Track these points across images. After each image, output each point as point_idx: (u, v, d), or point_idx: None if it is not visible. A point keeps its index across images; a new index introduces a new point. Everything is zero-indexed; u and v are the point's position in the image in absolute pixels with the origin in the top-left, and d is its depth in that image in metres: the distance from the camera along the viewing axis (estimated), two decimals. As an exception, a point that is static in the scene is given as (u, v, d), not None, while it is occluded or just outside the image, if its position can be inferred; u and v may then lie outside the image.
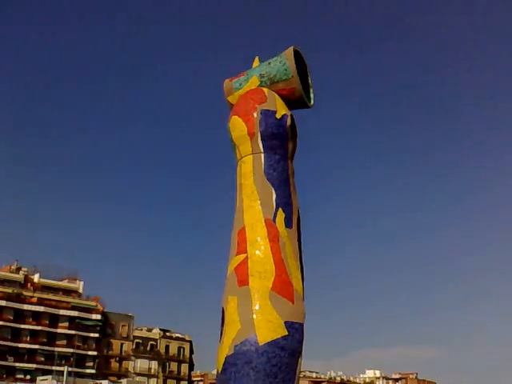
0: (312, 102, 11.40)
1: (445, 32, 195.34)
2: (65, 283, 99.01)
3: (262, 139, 10.62)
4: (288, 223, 11.05)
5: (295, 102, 10.97)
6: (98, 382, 71.62)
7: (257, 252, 10.77)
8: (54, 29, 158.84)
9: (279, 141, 10.71)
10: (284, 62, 10.53)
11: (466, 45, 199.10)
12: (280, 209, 10.92)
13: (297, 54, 10.80)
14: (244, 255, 10.89)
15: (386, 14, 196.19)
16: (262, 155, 10.78)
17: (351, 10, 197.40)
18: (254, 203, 10.93)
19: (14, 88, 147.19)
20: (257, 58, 11.32)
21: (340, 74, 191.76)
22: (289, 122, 10.67)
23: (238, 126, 10.83)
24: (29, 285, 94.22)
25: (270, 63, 10.79)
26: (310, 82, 11.29)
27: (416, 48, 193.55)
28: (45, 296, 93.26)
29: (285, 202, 10.98)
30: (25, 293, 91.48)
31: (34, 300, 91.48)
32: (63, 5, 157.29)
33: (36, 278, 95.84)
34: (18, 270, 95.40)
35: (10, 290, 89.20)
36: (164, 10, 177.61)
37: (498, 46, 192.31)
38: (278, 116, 10.63)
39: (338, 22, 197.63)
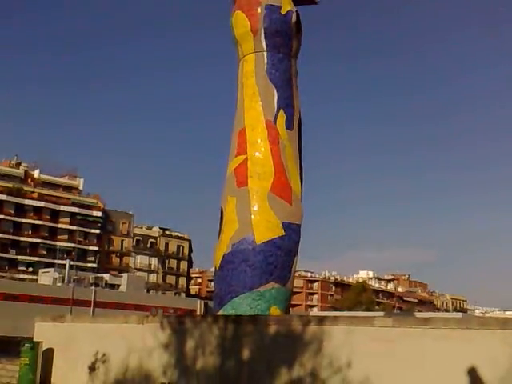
0: (319, -3, 10.95)
1: None
2: (65, 180, 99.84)
3: (265, 36, 10.29)
4: (289, 125, 10.94)
5: (301, -3, 10.54)
6: (99, 275, 73.84)
7: (257, 154, 10.72)
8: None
9: (283, 38, 10.38)
10: (291, -47, 10.01)
11: None
12: (281, 110, 10.77)
13: None
14: (244, 156, 10.85)
15: None
16: (265, 54, 10.49)
17: None
18: (255, 104, 10.75)
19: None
20: None
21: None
22: (294, 18, 10.30)
23: (240, 22, 10.46)
24: (29, 180, 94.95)
25: (276, -46, 10.24)
26: (317, -25, 10.78)
27: None
28: (45, 192, 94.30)
29: (286, 103, 10.81)
30: (25, 188, 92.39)
31: (35, 195, 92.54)
32: None
33: (36, 173, 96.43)
34: (17, 165, 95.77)
35: (10, 185, 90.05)
36: None
37: None
38: (283, 12, 10.25)
39: None
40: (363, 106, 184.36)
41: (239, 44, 10.76)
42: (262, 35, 10.35)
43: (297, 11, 10.51)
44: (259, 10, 10.28)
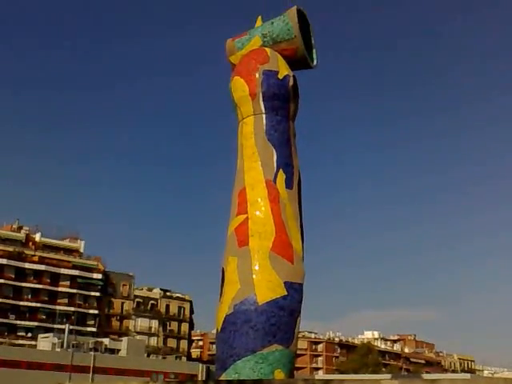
0: (315, 62, 11.28)
1: None
2: (66, 242, 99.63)
3: (263, 100, 10.55)
4: (289, 184, 11.03)
5: (298, 62, 10.86)
6: (99, 339, 72.69)
7: (257, 213, 10.76)
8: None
9: (281, 101, 10.63)
10: (287, 22, 10.41)
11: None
12: (281, 170, 10.88)
13: (300, 14, 10.67)
14: (244, 216, 10.89)
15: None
16: (264, 116, 10.71)
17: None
18: (254, 164, 10.88)
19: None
20: (259, 18, 11.17)
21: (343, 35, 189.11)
22: (291, 82, 10.58)
23: (239, 87, 10.74)
24: (30, 244, 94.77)
25: (272, 23, 10.67)
26: (313, 42, 11.16)
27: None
28: (46, 255, 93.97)
29: (286, 162, 10.94)
30: (26, 251, 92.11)
31: (36, 259, 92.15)
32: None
33: (37, 237, 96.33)
34: (19, 228, 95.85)
35: (11, 249, 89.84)
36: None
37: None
38: (281, 76, 10.54)
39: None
40: (360, 166, 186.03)
41: (238, 107, 11.03)
42: (261, 99, 10.63)
43: (294, 76, 10.82)
44: (257, 75, 10.59)
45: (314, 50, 11.34)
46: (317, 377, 56.77)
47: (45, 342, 68.17)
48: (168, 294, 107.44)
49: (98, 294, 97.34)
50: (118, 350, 70.59)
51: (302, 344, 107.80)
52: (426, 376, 39.55)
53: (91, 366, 57.31)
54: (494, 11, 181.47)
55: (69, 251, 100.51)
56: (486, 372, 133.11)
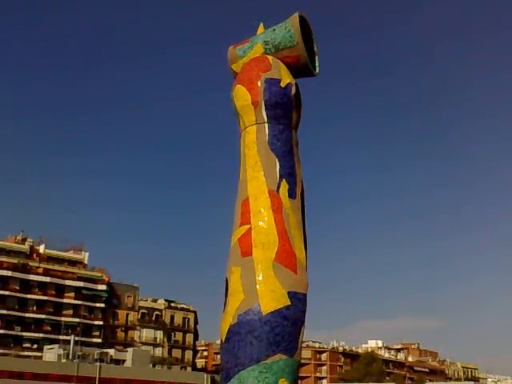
0: (317, 70, 11.18)
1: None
2: (70, 254, 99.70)
3: (265, 108, 10.45)
4: (291, 194, 10.97)
5: (300, 69, 10.75)
6: (104, 350, 72.56)
7: (260, 223, 10.70)
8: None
9: (283, 110, 10.54)
10: (289, 29, 10.30)
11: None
12: (283, 179, 10.82)
13: (302, 21, 10.57)
14: (247, 226, 10.83)
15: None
16: (266, 125, 10.63)
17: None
18: (257, 174, 10.82)
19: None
20: (261, 25, 11.06)
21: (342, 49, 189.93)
22: (293, 90, 10.49)
23: (241, 95, 10.66)
24: (34, 255, 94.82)
25: (274, 30, 10.56)
26: (315, 49, 11.06)
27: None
28: (50, 267, 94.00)
29: (288, 172, 10.87)
30: (31, 263, 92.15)
31: (40, 270, 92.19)
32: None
33: (41, 248, 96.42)
34: (23, 240, 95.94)
35: (15, 261, 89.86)
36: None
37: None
38: (283, 85, 10.44)
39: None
40: (369, 178, 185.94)
41: (240, 116, 10.94)
42: (263, 107, 10.51)
43: (296, 84, 10.70)
44: (259, 83, 10.47)
45: (316, 58, 11.21)
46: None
47: (50, 354, 68.14)
48: (173, 304, 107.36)
49: (102, 305, 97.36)
50: (124, 361, 70.52)
51: (306, 353, 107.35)
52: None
53: (97, 376, 57.26)
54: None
55: (73, 263, 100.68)
56: (489, 380, 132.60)
